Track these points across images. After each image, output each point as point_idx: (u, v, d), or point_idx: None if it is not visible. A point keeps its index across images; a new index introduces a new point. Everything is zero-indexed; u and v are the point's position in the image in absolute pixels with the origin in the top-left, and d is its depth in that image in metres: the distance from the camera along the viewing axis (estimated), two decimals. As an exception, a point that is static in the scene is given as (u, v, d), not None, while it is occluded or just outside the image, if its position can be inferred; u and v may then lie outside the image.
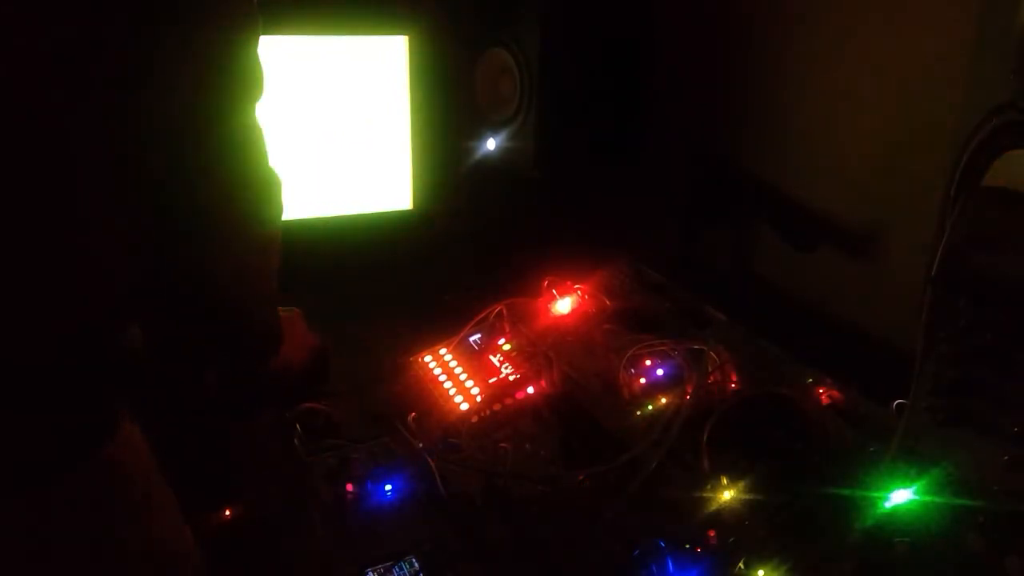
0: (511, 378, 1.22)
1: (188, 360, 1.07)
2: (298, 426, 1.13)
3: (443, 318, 1.40)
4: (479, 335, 1.33)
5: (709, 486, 0.96)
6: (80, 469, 0.76)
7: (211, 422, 1.09)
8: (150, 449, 0.85)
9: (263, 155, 0.86)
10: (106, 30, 0.68)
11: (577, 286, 1.41)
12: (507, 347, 1.29)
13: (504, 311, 1.35)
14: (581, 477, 1.04)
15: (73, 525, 0.77)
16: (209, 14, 0.75)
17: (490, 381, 1.22)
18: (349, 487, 1.04)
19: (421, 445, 1.12)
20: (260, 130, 0.85)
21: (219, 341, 1.01)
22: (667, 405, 1.10)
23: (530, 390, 1.21)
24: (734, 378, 1.15)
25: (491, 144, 1.75)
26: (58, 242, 0.71)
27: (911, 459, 0.89)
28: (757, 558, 0.88)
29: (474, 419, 1.17)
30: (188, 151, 0.78)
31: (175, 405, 1.04)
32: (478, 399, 1.20)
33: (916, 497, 0.87)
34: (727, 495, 0.95)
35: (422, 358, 1.32)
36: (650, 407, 1.12)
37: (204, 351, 1.06)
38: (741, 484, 0.96)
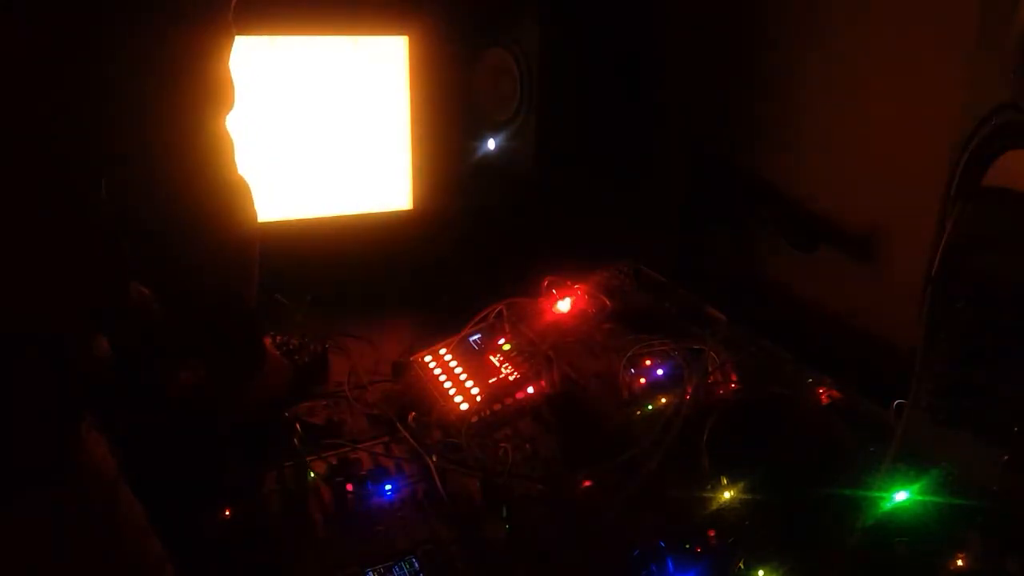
0: (511, 378, 1.22)
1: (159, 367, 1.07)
2: (298, 426, 1.13)
3: (443, 318, 1.40)
4: (479, 335, 1.33)
5: (709, 486, 0.96)
6: (43, 485, 0.76)
7: (199, 426, 1.09)
8: (117, 461, 0.85)
9: (231, 164, 0.86)
10: (79, 37, 0.68)
11: (577, 286, 1.41)
12: (507, 347, 1.28)
13: (504, 311, 1.35)
14: (581, 477, 1.04)
15: (33, 545, 0.76)
16: (181, 22, 0.75)
17: (490, 381, 1.22)
18: (349, 487, 1.04)
19: (421, 445, 1.12)
20: (230, 141, 0.85)
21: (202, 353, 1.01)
22: (667, 405, 1.10)
23: (530, 390, 1.21)
24: (734, 378, 1.15)
25: (491, 144, 1.75)
26: (26, 251, 0.71)
27: (911, 459, 0.89)
28: (757, 558, 0.88)
29: (474, 419, 1.17)
30: (157, 161, 0.78)
31: (151, 411, 1.04)
32: (478, 399, 1.20)
33: (916, 497, 0.87)
34: (727, 495, 0.95)
35: (422, 358, 1.32)
36: (650, 407, 1.12)
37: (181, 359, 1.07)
38: (741, 484, 0.96)
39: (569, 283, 1.42)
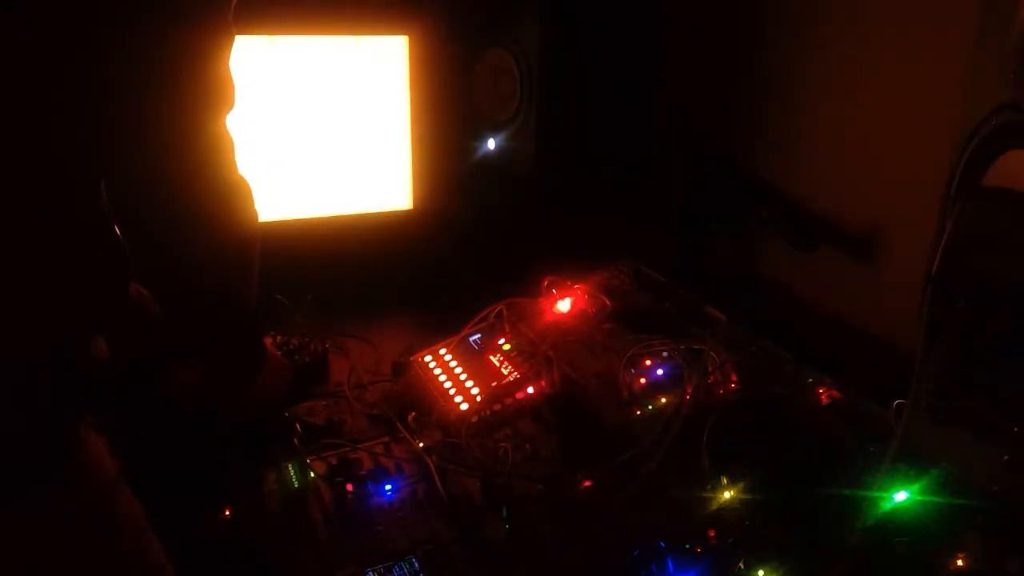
0: (511, 378, 1.22)
1: (160, 367, 1.07)
2: (298, 426, 1.13)
3: (443, 318, 1.40)
4: (479, 335, 1.33)
5: (709, 486, 0.96)
6: (43, 485, 0.76)
7: (199, 426, 1.09)
8: (117, 461, 0.85)
9: (232, 164, 0.86)
10: (79, 37, 0.68)
11: (577, 286, 1.41)
12: (507, 347, 1.28)
13: (504, 311, 1.35)
14: (581, 477, 1.04)
15: (33, 545, 0.76)
16: (181, 22, 0.74)
17: (493, 385, 1.22)
18: (349, 487, 1.04)
19: (421, 445, 1.12)
20: (230, 141, 0.85)
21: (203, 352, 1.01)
22: (667, 405, 1.10)
23: (530, 390, 1.21)
24: (734, 378, 1.15)
25: (491, 144, 1.75)
26: (25, 251, 0.71)
27: (911, 459, 0.89)
28: (757, 558, 0.88)
29: (474, 419, 1.17)
30: (157, 161, 0.78)
31: (151, 411, 1.04)
32: (478, 399, 1.20)
33: (916, 497, 0.87)
34: (727, 495, 0.95)
35: (422, 358, 1.32)
36: (650, 407, 1.12)
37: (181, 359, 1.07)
38: (741, 484, 0.96)
39: (569, 283, 1.42)
